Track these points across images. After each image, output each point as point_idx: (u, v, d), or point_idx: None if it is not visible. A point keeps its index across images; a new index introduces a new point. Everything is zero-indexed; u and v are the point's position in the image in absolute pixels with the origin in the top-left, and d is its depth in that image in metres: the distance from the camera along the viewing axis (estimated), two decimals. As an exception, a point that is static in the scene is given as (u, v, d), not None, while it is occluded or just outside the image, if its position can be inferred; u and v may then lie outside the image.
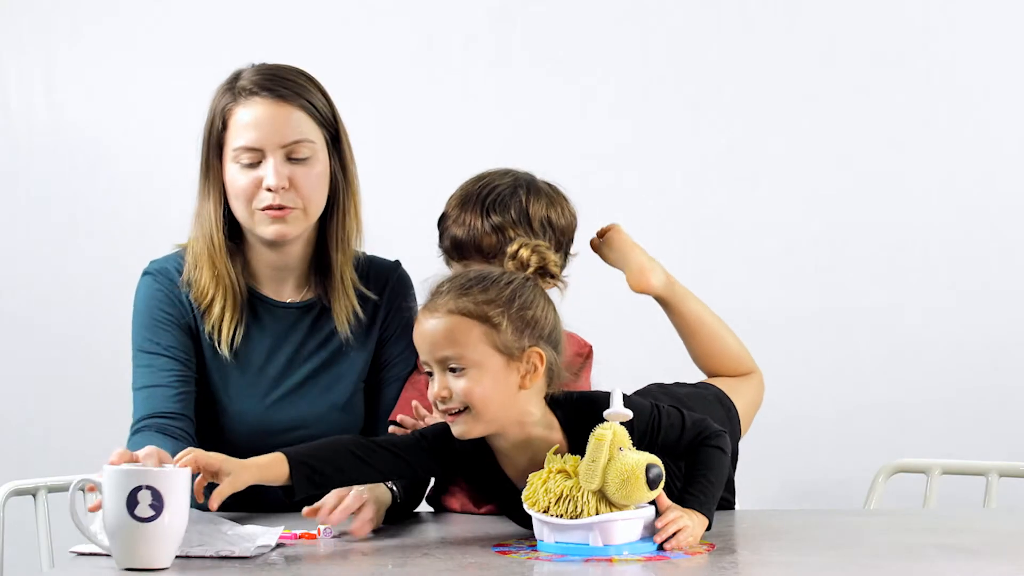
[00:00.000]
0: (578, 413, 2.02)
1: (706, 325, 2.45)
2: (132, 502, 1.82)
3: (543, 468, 1.97)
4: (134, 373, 2.35)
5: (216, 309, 2.33)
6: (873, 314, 3.51)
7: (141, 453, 1.96)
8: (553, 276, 2.06)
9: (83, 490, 1.92)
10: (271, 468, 1.97)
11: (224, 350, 2.33)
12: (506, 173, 2.37)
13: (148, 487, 1.82)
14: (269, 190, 2.27)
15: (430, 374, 2.00)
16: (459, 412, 1.98)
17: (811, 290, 3.51)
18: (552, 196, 2.38)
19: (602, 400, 2.00)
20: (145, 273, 2.39)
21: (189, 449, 1.92)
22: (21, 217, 3.57)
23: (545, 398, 2.04)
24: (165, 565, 1.84)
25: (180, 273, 2.36)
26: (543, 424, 2.03)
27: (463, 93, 3.54)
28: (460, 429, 1.99)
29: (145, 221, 3.48)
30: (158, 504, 1.82)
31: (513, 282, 2.01)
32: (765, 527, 2.15)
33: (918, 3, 3.51)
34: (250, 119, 2.28)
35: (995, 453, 3.02)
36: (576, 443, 2.00)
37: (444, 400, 1.98)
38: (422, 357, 2.01)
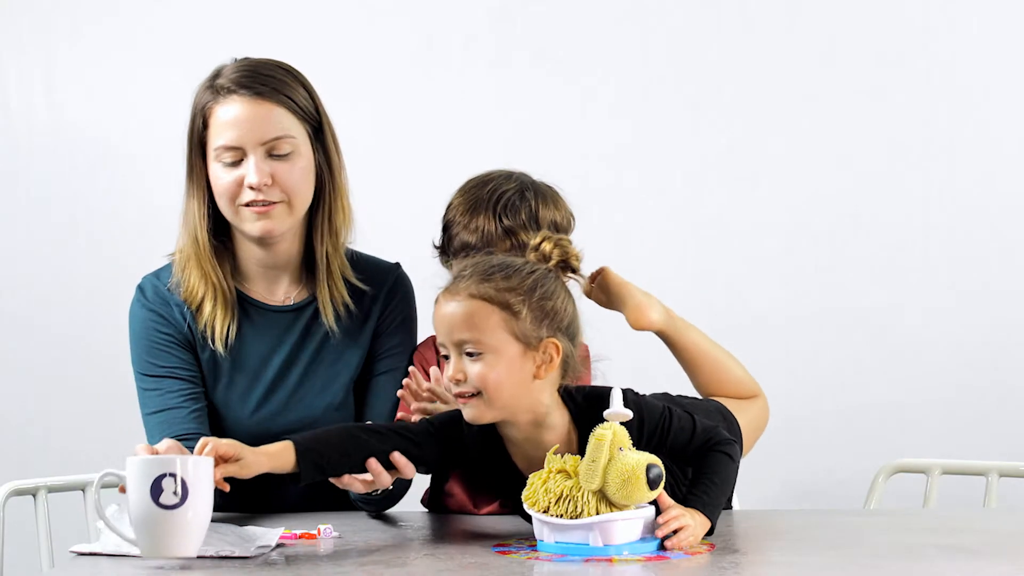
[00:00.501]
0: (589, 408, 2.03)
1: (709, 355, 2.44)
2: (156, 490, 1.83)
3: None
4: (142, 398, 2.35)
5: (207, 307, 2.33)
6: (873, 314, 3.51)
7: (160, 447, 1.97)
8: (574, 270, 2.08)
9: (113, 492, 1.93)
10: (280, 456, 1.98)
11: (219, 347, 2.33)
12: (509, 176, 2.37)
13: (172, 475, 1.83)
14: (252, 188, 2.28)
15: (447, 357, 2.01)
16: (472, 396, 1.99)
17: (811, 290, 3.51)
18: (553, 197, 2.38)
19: (608, 391, 2.00)
20: (138, 288, 2.39)
21: (205, 439, 1.92)
22: (21, 217, 3.57)
23: (558, 390, 2.05)
24: (191, 554, 1.86)
25: (168, 282, 2.36)
26: (555, 415, 2.04)
27: (463, 93, 3.54)
28: (471, 413, 2.00)
29: (145, 221, 3.48)
30: (182, 492, 1.84)
31: (536, 272, 2.02)
32: (765, 527, 2.15)
33: (918, 3, 3.51)
34: (229, 118, 2.28)
35: (995, 453, 3.02)
36: (585, 437, 2.01)
37: (458, 383, 1.99)
38: (439, 339, 2.02)
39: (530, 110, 3.53)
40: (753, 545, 2.03)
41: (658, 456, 1.97)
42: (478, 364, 1.98)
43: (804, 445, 3.47)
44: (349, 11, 3.55)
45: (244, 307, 2.37)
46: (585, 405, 2.04)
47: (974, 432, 3.44)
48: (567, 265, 2.07)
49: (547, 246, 2.07)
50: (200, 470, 1.86)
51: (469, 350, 1.98)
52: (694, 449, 2.05)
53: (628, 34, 3.53)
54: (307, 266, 2.41)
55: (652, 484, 1.90)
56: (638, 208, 3.49)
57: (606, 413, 1.95)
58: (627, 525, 1.92)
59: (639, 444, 2.01)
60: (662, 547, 1.93)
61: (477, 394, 1.99)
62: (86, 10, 3.56)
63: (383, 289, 2.43)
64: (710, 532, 1.99)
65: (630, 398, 2.05)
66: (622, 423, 1.97)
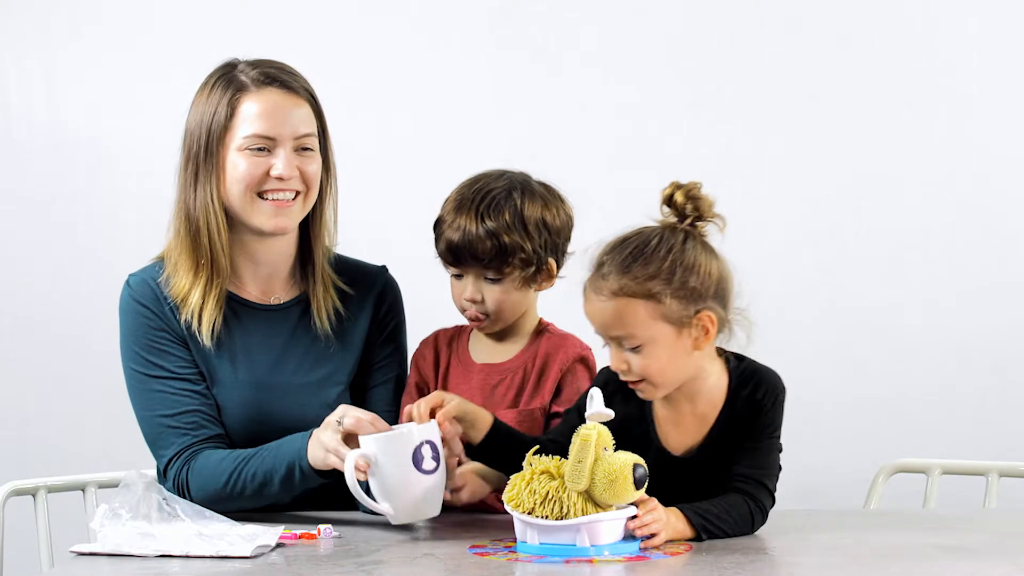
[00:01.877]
0: (742, 381, 2.07)
1: None
2: (418, 458, 1.98)
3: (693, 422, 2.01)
4: (141, 396, 2.33)
5: (194, 300, 2.32)
6: (873, 313, 3.50)
7: (368, 419, 2.08)
8: (709, 219, 2.07)
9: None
10: (481, 419, 2.07)
11: (205, 338, 2.32)
12: (501, 176, 2.36)
13: (429, 442, 2.00)
14: (279, 179, 2.29)
15: (606, 344, 2.04)
16: (638, 381, 2.02)
17: (811, 289, 3.51)
18: (547, 197, 2.36)
19: (767, 377, 2.06)
20: (126, 283, 2.38)
21: (409, 408, 2.06)
22: (21, 217, 3.56)
23: (720, 352, 2.07)
24: (438, 512, 2.03)
25: (158, 278, 2.35)
26: (714, 379, 2.06)
27: (463, 93, 3.54)
28: (645, 396, 2.05)
29: (145, 221, 3.46)
30: (436, 455, 2.00)
31: (672, 249, 2.02)
32: (765, 527, 2.15)
33: (918, 3, 3.50)
34: (263, 108, 2.30)
35: (995, 453, 3.02)
36: (732, 407, 2.05)
37: (623, 372, 2.02)
38: (594, 330, 2.05)
39: (530, 110, 3.53)
40: (753, 545, 2.03)
41: (718, 458, 2.01)
42: (638, 356, 2.00)
43: (804, 445, 3.46)
44: (349, 11, 3.54)
45: (232, 306, 2.37)
46: (741, 374, 2.07)
47: (974, 432, 3.44)
48: (701, 217, 2.06)
49: (679, 198, 2.06)
50: (438, 433, 2.02)
51: (627, 345, 2.00)
52: (741, 478, 2.05)
53: (628, 34, 3.53)
54: (299, 266, 2.41)
55: (638, 484, 1.91)
56: (638, 208, 3.48)
57: (587, 414, 1.96)
58: (613, 525, 1.92)
59: (739, 433, 2.04)
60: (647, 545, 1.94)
61: (642, 379, 2.02)
62: (86, 10, 3.56)
63: (372, 293, 2.43)
64: (694, 539, 1.99)
65: (781, 398, 2.08)
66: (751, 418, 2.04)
